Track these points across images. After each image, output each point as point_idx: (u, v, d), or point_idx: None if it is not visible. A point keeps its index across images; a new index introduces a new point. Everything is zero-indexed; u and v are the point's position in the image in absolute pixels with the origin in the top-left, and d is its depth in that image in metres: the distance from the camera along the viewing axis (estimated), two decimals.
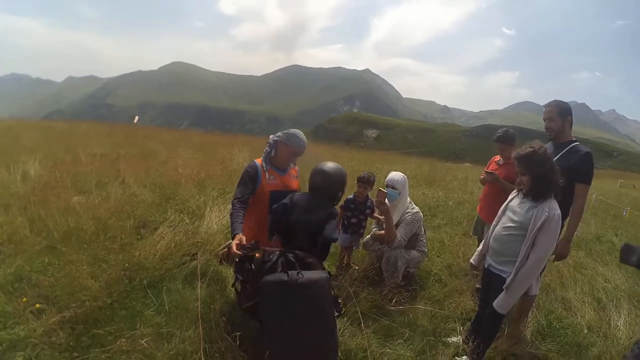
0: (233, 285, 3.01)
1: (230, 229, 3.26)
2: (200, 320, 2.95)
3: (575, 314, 4.46)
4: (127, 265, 3.77)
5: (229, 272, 3.98)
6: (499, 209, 3.55)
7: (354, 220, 4.45)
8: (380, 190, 4.04)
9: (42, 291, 3.33)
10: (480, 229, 4.90)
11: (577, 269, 5.96)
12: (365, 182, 4.36)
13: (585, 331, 4.16)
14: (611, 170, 50.19)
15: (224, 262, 4.02)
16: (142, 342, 2.80)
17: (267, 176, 3.36)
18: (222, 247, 4.18)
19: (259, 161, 3.43)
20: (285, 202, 3.14)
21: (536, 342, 3.86)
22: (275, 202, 3.26)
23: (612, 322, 4.41)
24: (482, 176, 4.64)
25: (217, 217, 5.03)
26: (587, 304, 4.69)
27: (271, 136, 3.48)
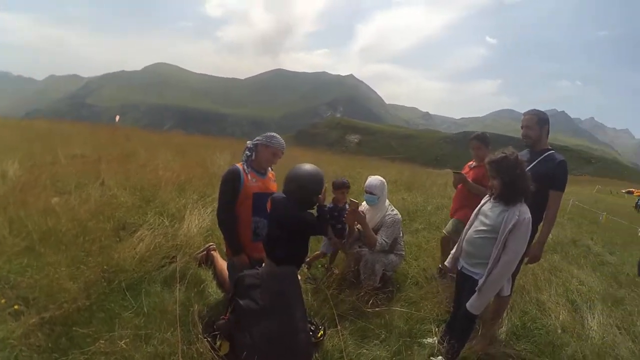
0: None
1: (223, 238, 3.55)
2: (178, 323, 2.99)
3: (550, 315, 4.53)
4: (105, 267, 3.74)
5: (207, 275, 4.02)
6: (466, 209, 4.15)
7: (339, 226, 4.49)
8: (352, 200, 4.07)
9: (20, 292, 3.30)
10: (454, 227, 4.98)
11: (552, 271, 6.06)
12: (341, 186, 4.39)
13: (559, 331, 4.24)
14: (589, 177, 51.35)
15: (202, 265, 4.06)
16: (121, 343, 2.80)
17: (249, 178, 3.40)
18: (200, 250, 4.22)
19: (239, 165, 3.46)
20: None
21: (510, 342, 3.92)
22: (259, 204, 3.35)
23: (586, 323, 4.52)
24: (454, 179, 4.76)
25: (196, 220, 4.99)
26: (561, 306, 4.77)
27: (248, 142, 3.52)
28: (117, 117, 18.15)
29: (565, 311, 4.68)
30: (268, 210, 3.24)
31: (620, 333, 4.56)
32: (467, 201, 4.58)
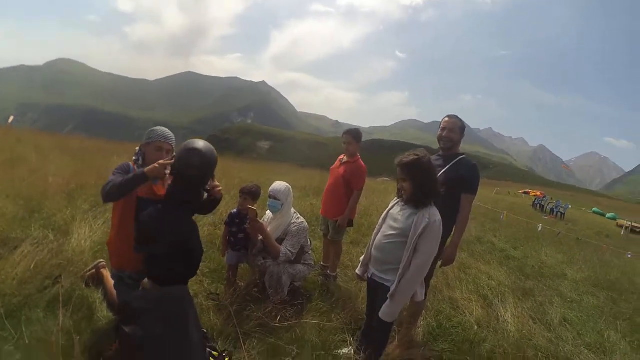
0: None
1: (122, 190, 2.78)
2: (61, 354, 2.59)
3: (464, 312, 4.60)
4: None
5: (96, 297, 3.50)
6: (336, 204, 4.82)
7: (240, 235, 4.17)
8: (250, 208, 3.86)
9: None
10: (325, 227, 5.14)
11: (461, 269, 6.21)
12: (247, 193, 4.05)
13: (476, 328, 4.30)
14: (488, 180, 55.62)
15: (90, 285, 3.56)
16: None
17: None
18: (89, 268, 3.68)
19: (132, 164, 3.04)
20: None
21: (428, 343, 3.90)
22: (144, 211, 2.78)
23: (500, 317, 4.63)
24: None
25: (86, 234, 4.45)
26: (474, 302, 4.86)
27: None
28: (11, 118, 16.63)
29: (479, 307, 4.78)
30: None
31: (534, 323, 4.71)
32: (337, 196, 4.92)
